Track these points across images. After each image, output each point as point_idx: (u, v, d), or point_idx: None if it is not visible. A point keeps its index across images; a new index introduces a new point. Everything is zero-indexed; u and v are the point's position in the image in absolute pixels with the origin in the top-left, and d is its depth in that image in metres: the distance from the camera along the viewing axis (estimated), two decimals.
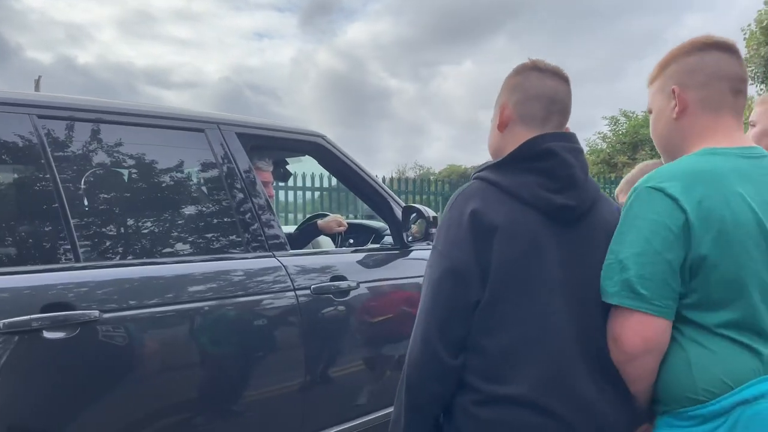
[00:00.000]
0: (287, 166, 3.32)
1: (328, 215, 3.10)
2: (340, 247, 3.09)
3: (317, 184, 9.45)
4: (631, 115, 21.16)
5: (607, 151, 20.86)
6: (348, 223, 3.08)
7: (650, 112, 1.36)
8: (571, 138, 1.32)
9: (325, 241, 3.15)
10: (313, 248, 3.10)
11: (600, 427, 1.20)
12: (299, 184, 9.22)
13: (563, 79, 1.36)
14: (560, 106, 1.34)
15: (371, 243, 3.23)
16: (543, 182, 1.24)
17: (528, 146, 1.27)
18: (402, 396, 1.25)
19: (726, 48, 1.25)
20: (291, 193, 9.25)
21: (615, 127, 21.31)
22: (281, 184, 8.42)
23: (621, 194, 2.09)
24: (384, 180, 11.17)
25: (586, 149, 22.42)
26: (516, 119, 1.34)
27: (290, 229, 3.10)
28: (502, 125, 1.36)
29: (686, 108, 1.26)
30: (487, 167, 1.31)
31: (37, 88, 5.98)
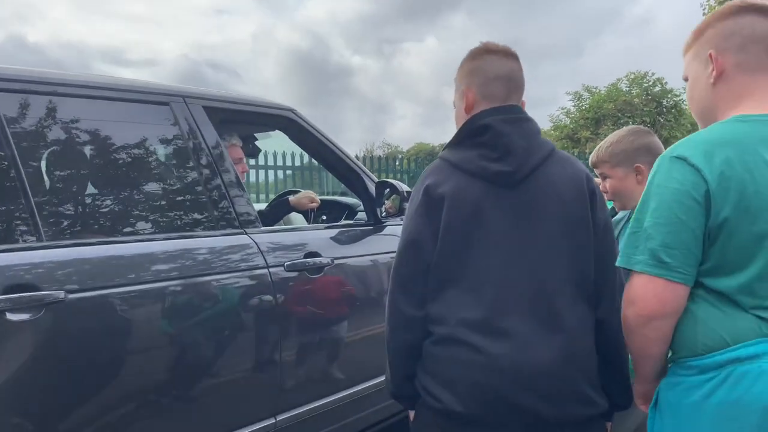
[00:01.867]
0: (256, 142, 3.23)
1: (300, 191, 3.05)
2: (313, 223, 3.04)
3: (288, 163, 9.28)
4: (594, 90, 21.43)
5: (571, 126, 21.14)
6: (321, 200, 3.03)
7: (686, 79, 1.36)
8: (510, 109, 1.45)
9: (297, 218, 3.10)
10: (285, 225, 3.04)
11: (530, 362, 1.31)
12: (270, 162, 9.03)
13: (515, 57, 1.50)
14: (516, 83, 1.49)
15: (344, 219, 3.20)
16: (484, 153, 1.40)
17: (468, 125, 1.45)
18: (387, 344, 1.48)
19: (762, 10, 1.25)
20: (261, 172, 9.04)
21: (578, 102, 21.57)
22: (251, 161, 8.24)
23: (603, 164, 2.03)
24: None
25: (549, 125, 22.85)
26: (480, 100, 1.48)
27: (262, 206, 3.03)
28: (469, 108, 1.49)
29: (723, 72, 1.26)
30: (446, 146, 1.50)
31: None
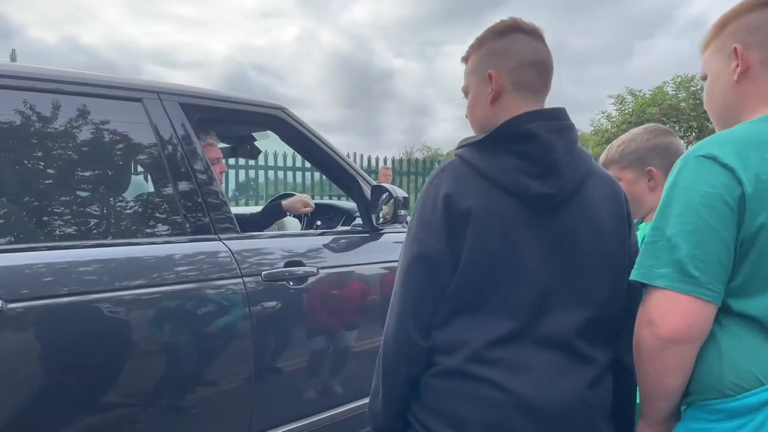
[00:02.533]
0: (255, 143, 3.09)
1: (294, 195, 2.89)
2: (306, 229, 2.87)
3: (289, 164, 9.02)
4: (637, 93, 20.72)
5: (612, 131, 20.49)
6: (316, 204, 2.87)
7: (704, 78, 1.23)
8: (557, 115, 1.21)
9: (291, 223, 2.94)
10: (279, 231, 2.89)
11: (553, 399, 1.14)
12: (270, 162, 8.81)
13: (545, 42, 1.26)
14: (550, 74, 1.26)
15: (341, 225, 3.02)
16: (523, 166, 1.16)
17: (507, 127, 1.18)
18: (379, 374, 1.27)
19: None
20: (261, 173, 8.87)
21: (621, 106, 20.90)
22: (251, 162, 8.11)
23: (612, 165, 1.81)
24: (393, 161, 10.86)
25: (590, 129, 22.18)
26: (510, 89, 1.23)
27: (258, 209, 2.88)
28: (496, 96, 1.24)
29: (749, 68, 1.13)
30: (468, 145, 1.22)
31: (13, 59, 5.75)
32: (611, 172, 1.78)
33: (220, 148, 3.14)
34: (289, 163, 8.92)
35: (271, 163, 8.78)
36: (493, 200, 1.15)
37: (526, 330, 1.16)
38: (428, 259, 1.17)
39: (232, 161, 8.07)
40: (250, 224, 2.66)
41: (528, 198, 1.16)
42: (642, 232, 1.65)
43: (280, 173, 8.97)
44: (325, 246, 2.43)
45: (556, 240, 1.18)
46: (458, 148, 1.26)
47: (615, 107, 21.11)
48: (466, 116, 1.33)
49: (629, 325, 1.18)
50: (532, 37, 1.24)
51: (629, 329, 1.17)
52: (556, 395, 1.14)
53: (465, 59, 1.32)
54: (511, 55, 1.22)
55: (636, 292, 1.18)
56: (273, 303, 2.13)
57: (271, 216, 2.75)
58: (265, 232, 2.41)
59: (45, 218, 1.79)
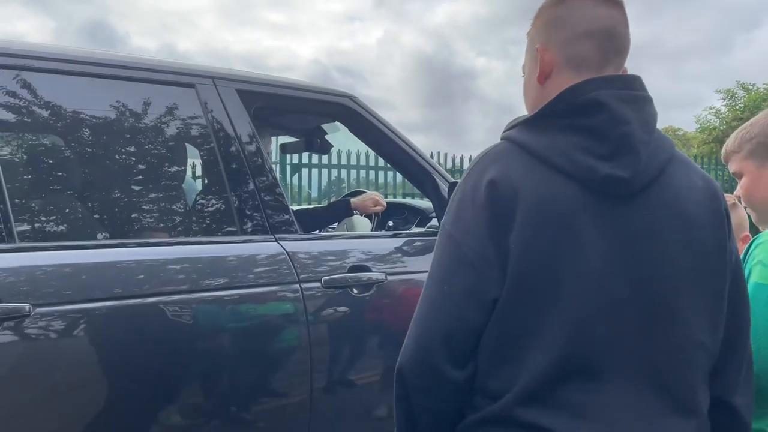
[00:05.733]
0: (326, 136, 2.88)
1: (365, 192, 2.65)
2: (377, 230, 2.63)
3: (363, 162, 8.64)
4: (750, 87, 19.01)
5: (721, 128, 18.88)
6: (389, 203, 2.61)
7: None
8: (630, 83, 0.98)
9: (361, 224, 2.70)
10: (347, 231, 2.66)
11: None
12: (343, 161, 8.45)
13: (618, 4, 1.02)
14: (618, 44, 1.01)
15: (416, 226, 2.75)
16: (586, 144, 0.93)
17: (567, 96, 0.96)
18: (395, 409, 1.01)
19: None
20: (335, 171, 8.54)
21: (731, 101, 19.26)
22: (322, 160, 7.86)
23: (733, 156, 1.45)
24: None
25: (695, 127, 20.62)
26: (562, 65, 1.02)
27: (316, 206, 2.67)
28: (543, 75, 1.04)
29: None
30: (518, 124, 1.00)
31: None
32: (731, 167, 1.45)
33: (289, 143, 2.97)
34: (363, 161, 8.65)
35: (344, 161, 8.55)
36: (549, 186, 0.92)
37: (597, 360, 0.90)
38: (470, 264, 0.92)
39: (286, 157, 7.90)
40: (312, 221, 2.45)
41: (594, 183, 0.92)
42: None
43: (355, 172, 8.72)
44: (396, 249, 2.17)
45: (631, 239, 0.92)
46: (504, 131, 1.03)
47: (724, 103, 19.50)
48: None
49: (736, 357, 1.01)
50: (594, 2, 1.00)
51: (736, 364, 1.01)
52: None
53: (528, 33, 1.11)
54: (564, 25, 1.02)
55: (743, 315, 1.00)
56: (333, 312, 1.90)
57: (337, 213, 2.53)
58: (328, 233, 2.18)
59: (89, 216, 1.64)
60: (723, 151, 1.52)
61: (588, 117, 0.93)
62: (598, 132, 0.93)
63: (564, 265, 0.90)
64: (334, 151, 8.21)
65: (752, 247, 1.39)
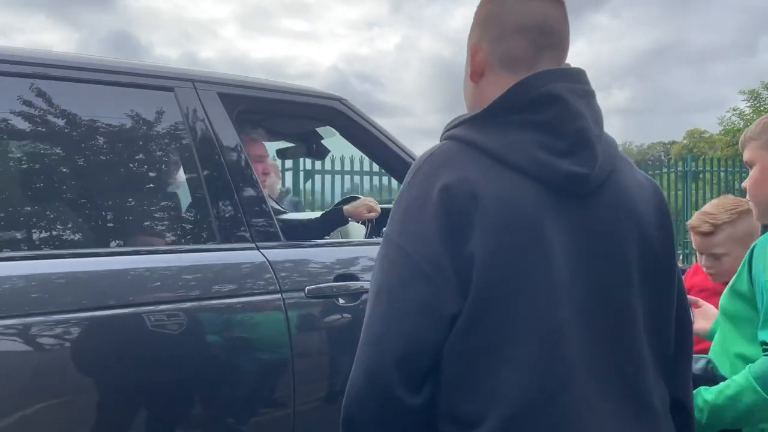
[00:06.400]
0: (322, 141, 2.81)
1: (360, 198, 2.57)
2: (372, 237, 2.55)
3: (376, 168, 8.48)
4: None
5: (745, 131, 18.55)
6: (386, 208, 2.53)
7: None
8: (578, 76, 0.94)
9: (356, 231, 2.62)
10: (342, 239, 2.59)
11: None
12: (337, 167, 8.30)
13: None
14: (553, 39, 0.96)
15: None
16: (544, 140, 0.88)
17: (521, 90, 0.90)
18: None
19: None
20: (338, 178, 8.38)
21: (755, 102, 18.87)
22: (318, 166, 7.74)
23: (749, 144, 1.40)
24: None
25: (718, 129, 20.24)
26: (494, 64, 0.98)
27: (317, 215, 2.60)
28: (476, 74, 1.00)
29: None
30: (463, 122, 0.94)
31: None
32: (746, 154, 1.41)
33: (285, 149, 2.90)
34: (376, 168, 8.49)
35: (357, 168, 8.43)
36: (508, 188, 0.86)
37: (569, 374, 0.85)
38: (424, 276, 0.83)
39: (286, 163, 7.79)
40: (306, 232, 2.38)
41: (555, 181, 0.87)
42: None
43: (368, 178, 8.59)
44: None
45: (589, 242, 0.89)
46: (446, 131, 0.96)
47: (748, 104, 19.12)
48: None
49: (685, 358, 1.02)
50: None
51: (685, 364, 1.02)
52: None
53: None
54: (495, 22, 0.98)
55: (685, 318, 1.01)
56: (317, 323, 1.82)
57: (331, 222, 2.45)
58: (314, 242, 2.11)
59: (64, 225, 1.59)
60: (742, 136, 1.48)
61: (542, 111, 0.89)
62: (554, 127, 0.88)
63: (531, 274, 0.84)
64: (347, 156, 8.15)
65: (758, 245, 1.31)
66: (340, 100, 2.17)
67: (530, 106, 0.89)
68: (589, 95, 0.94)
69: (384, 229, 0.92)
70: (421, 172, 0.90)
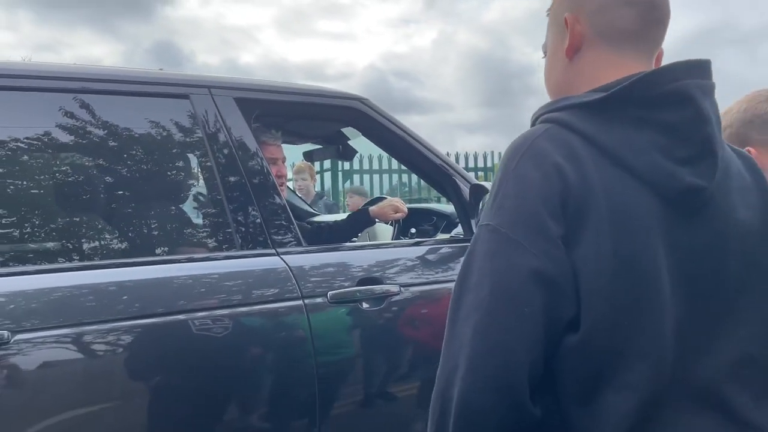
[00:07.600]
0: (349, 142, 2.77)
1: (386, 199, 2.52)
2: (400, 238, 2.49)
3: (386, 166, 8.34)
4: None
5: None
6: (413, 209, 2.47)
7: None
8: (706, 70, 0.82)
9: (383, 232, 2.57)
10: (369, 241, 2.54)
11: None
12: (375, 166, 8.19)
13: None
14: (661, 13, 0.86)
15: (442, 232, 2.59)
16: (664, 144, 0.77)
17: (647, 82, 0.78)
18: None
19: None
20: (366, 177, 8.31)
21: None
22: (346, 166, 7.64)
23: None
24: None
25: None
26: (593, 37, 0.86)
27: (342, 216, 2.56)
28: (572, 48, 0.87)
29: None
30: (570, 106, 0.81)
31: None
32: None
33: (311, 151, 2.88)
34: (378, 166, 8.39)
35: (395, 166, 8.34)
36: (623, 191, 0.75)
37: (673, 393, 0.77)
38: (548, 278, 0.73)
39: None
40: (332, 234, 2.35)
41: (672, 191, 0.77)
42: None
43: (407, 176, 8.49)
44: (413, 259, 2.02)
45: (690, 258, 0.78)
46: (545, 113, 0.83)
47: None
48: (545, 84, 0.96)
49: None
50: None
51: None
52: None
53: (548, 10, 0.95)
54: None
55: None
56: (341, 329, 1.78)
57: (357, 224, 2.41)
58: (337, 245, 2.07)
59: (79, 236, 1.60)
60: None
61: (669, 111, 0.78)
62: (680, 131, 0.77)
63: (645, 282, 0.75)
64: (385, 155, 8.09)
65: None
66: (360, 99, 2.12)
67: (656, 102, 0.79)
68: (713, 92, 0.83)
69: (482, 220, 0.79)
70: (529, 150, 0.78)
